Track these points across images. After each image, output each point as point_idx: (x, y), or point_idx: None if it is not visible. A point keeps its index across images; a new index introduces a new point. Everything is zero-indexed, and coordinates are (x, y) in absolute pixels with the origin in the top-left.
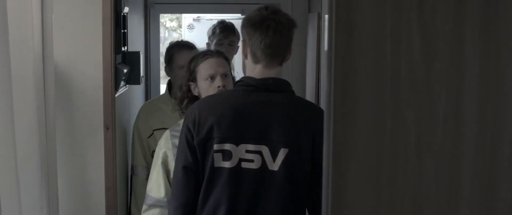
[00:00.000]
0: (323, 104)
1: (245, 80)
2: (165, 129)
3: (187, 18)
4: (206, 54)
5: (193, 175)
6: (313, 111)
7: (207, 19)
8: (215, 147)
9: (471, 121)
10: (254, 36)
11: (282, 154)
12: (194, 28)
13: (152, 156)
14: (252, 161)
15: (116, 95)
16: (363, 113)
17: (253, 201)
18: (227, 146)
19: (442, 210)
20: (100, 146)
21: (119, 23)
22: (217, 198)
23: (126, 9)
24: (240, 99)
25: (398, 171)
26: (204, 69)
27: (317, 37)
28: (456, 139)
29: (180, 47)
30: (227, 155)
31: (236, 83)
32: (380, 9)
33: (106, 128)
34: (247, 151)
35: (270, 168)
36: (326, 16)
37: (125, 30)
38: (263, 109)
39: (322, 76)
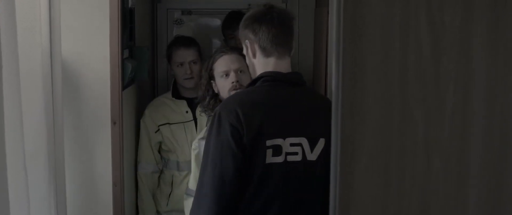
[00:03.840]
0: (331, 100)
1: (272, 75)
2: (169, 124)
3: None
4: (221, 51)
5: (243, 176)
6: (329, 103)
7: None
8: (267, 143)
9: (479, 116)
10: (260, 30)
11: (320, 144)
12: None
13: (159, 152)
14: (296, 153)
15: (123, 91)
16: (371, 109)
17: (300, 194)
18: (278, 141)
19: (450, 206)
20: (107, 141)
21: (126, 18)
22: (269, 193)
23: (133, 4)
24: (275, 94)
25: (406, 167)
26: (218, 66)
27: (325, 33)
28: (464, 135)
29: (177, 45)
30: (277, 150)
31: (258, 79)
32: (389, 4)
33: (113, 123)
34: (291, 144)
35: (308, 158)
36: (334, 11)
37: (133, 25)
38: (297, 102)
39: (330, 71)
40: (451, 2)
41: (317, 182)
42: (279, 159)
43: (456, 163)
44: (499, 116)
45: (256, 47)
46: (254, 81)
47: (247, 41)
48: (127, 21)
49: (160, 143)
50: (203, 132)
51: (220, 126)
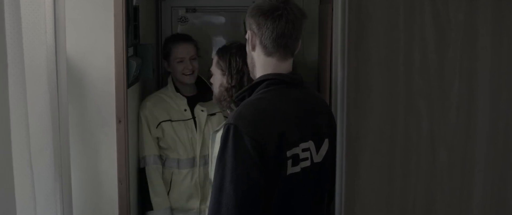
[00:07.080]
0: (336, 95)
1: (276, 78)
2: (171, 121)
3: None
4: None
5: (266, 195)
6: (325, 100)
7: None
8: (288, 153)
9: (484, 110)
10: (264, 26)
11: (325, 145)
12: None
13: (160, 146)
14: (307, 159)
15: (128, 88)
16: (376, 103)
17: (313, 194)
18: (296, 150)
19: (455, 199)
20: (113, 139)
21: (130, 16)
22: (292, 205)
23: (137, 1)
24: (285, 99)
25: (411, 160)
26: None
27: (330, 29)
28: (469, 129)
29: (175, 40)
30: (295, 160)
31: (260, 82)
32: None
33: (118, 120)
34: (303, 150)
35: (315, 161)
36: (339, 6)
37: (137, 23)
38: (304, 104)
39: (334, 67)
40: None
41: (325, 179)
42: (297, 169)
43: (461, 157)
44: (504, 110)
45: (257, 42)
46: (256, 85)
47: (249, 31)
48: (131, 19)
49: (158, 139)
50: (222, 125)
51: (239, 139)
